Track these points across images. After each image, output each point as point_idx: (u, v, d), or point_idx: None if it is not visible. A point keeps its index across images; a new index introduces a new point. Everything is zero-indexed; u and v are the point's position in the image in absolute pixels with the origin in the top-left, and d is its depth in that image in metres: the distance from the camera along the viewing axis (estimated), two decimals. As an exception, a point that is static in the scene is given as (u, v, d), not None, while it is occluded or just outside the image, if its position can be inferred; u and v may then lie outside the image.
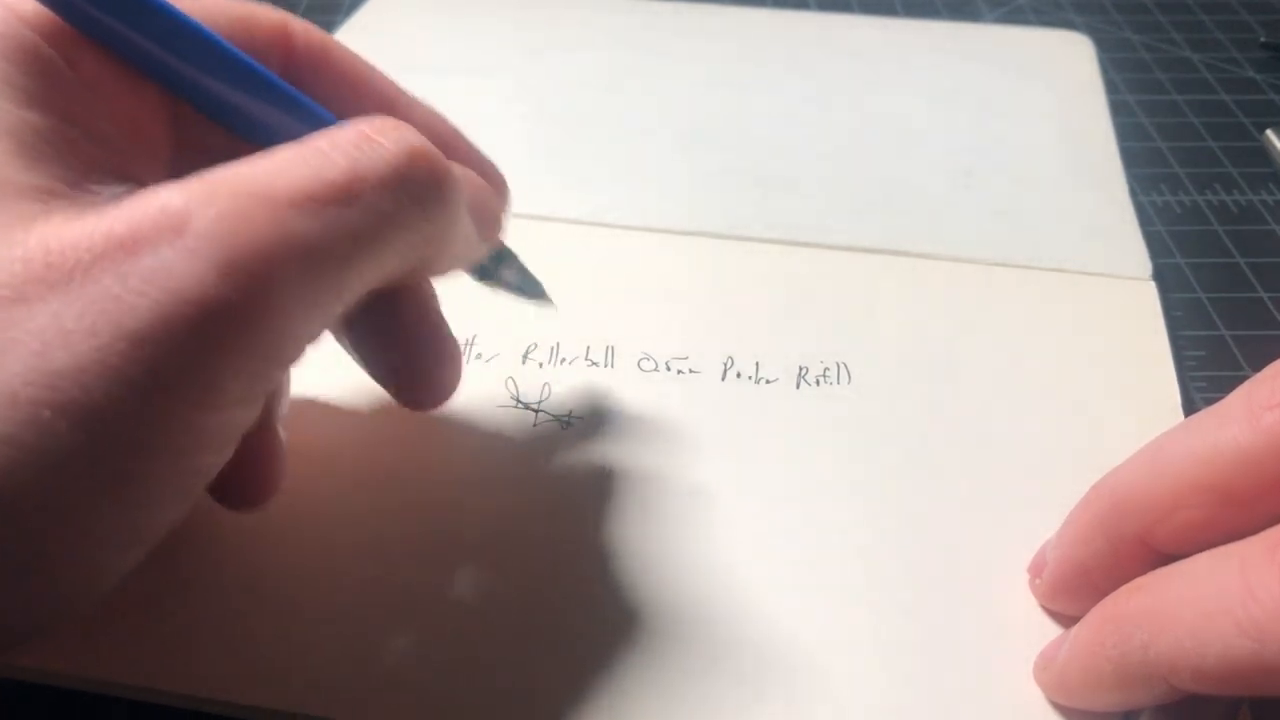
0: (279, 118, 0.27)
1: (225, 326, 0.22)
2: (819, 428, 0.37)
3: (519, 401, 0.38)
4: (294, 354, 0.24)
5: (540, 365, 0.39)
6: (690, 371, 0.39)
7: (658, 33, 0.61)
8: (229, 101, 0.26)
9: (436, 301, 0.32)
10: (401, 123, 0.26)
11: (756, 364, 0.39)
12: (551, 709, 0.29)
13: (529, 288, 0.35)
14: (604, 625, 0.31)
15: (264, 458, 0.30)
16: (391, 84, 0.31)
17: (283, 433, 0.32)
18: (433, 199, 0.26)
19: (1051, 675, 0.29)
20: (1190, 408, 0.38)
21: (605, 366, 0.39)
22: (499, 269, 0.33)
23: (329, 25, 0.62)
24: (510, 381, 0.38)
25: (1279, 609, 0.22)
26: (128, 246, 0.21)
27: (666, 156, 0.51)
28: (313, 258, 0.23)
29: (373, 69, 0.31)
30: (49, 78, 0.24)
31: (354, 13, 0.63)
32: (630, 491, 0.34)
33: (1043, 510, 0.32)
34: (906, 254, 0.45)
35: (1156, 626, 0.25)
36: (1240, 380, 0.40)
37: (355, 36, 0.60)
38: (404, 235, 0.26)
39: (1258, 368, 0.40)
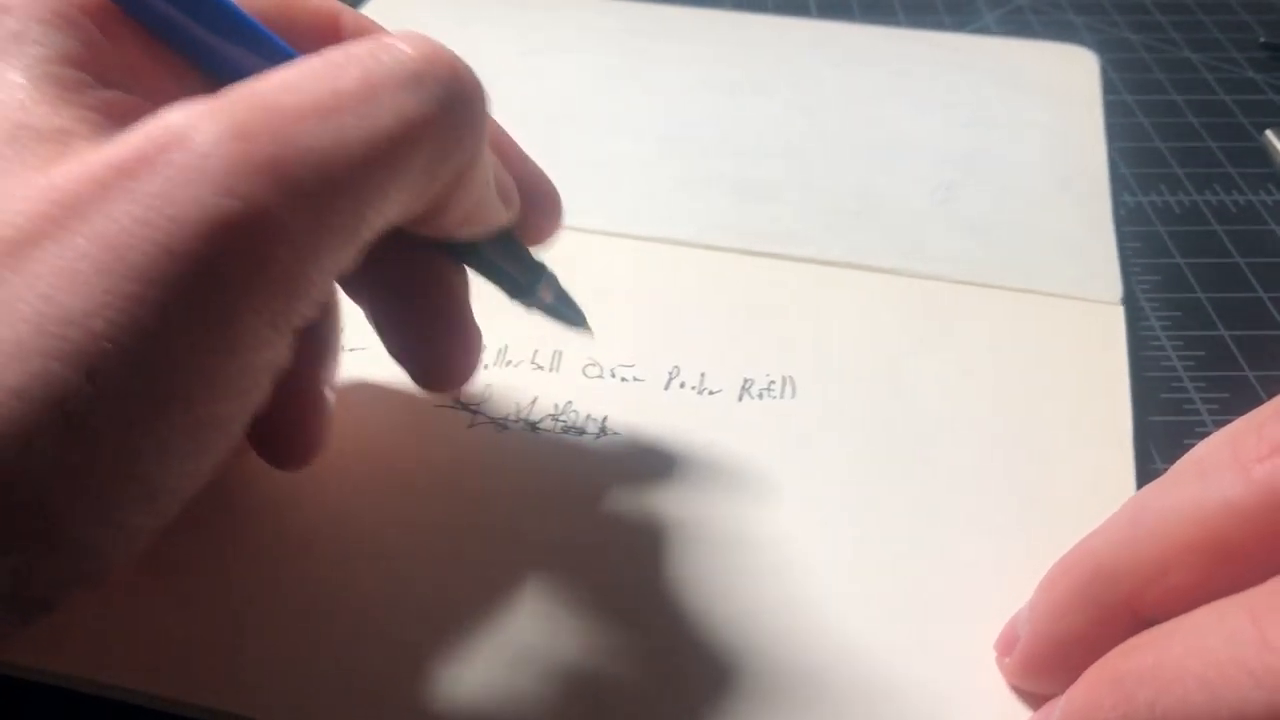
0: None
1: (235, 257, 0.19)
2: (756, 442, 0.34)
3: (457, 402, 0.35)
4: (316, 289, 0.21)
5: (486, 367, 0.36)
6: (635, 379, 0.36)
7: (655, 38, 0.58)
8: (234, 63, 0.24)
9: (467, 290, 0.30)
10: (426, 35, 0.24)
11: (702, 374, 0.37)
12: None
13: (568, 313, 0.33)
14: (516, 630, 0.29)
15: (309, 415, 0.28)
16: None
17: (330, 394, 0.30)
18: (458, 105, 0.23)
19: None
20: (1142, 439, 0.35)
21: (550, 370, 0.37)
22: (538, 287, 0.31)
23: (325, 29, 0.57)
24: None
25: None
26: (130, 170, 0.19)
27: (646, 162, 0.48)
28: (327, 172, 0.21)
29: None
30: (83, 42, 0.22)
31: (351, 15, 0.58)
32: (556, 499, 0.32)
33: (981, 538, 0.31)
34: (872, 269, 0.41)
35: (1162, 683, 0.22)
36: (1240, 381, 0.39)
37: (350, 38, 0.56)
38: (425, 148, 0.23)
39: (1258, 367, 0.39)
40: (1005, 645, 0.28)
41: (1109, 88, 0.55)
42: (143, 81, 0.23)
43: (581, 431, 0.34)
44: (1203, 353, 0.39)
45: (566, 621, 0.29)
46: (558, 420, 0.35)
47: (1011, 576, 0.29)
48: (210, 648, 0.28)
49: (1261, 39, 0.58)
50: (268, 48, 0.24)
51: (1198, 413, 0.37)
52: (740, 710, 0.27)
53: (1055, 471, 0.33)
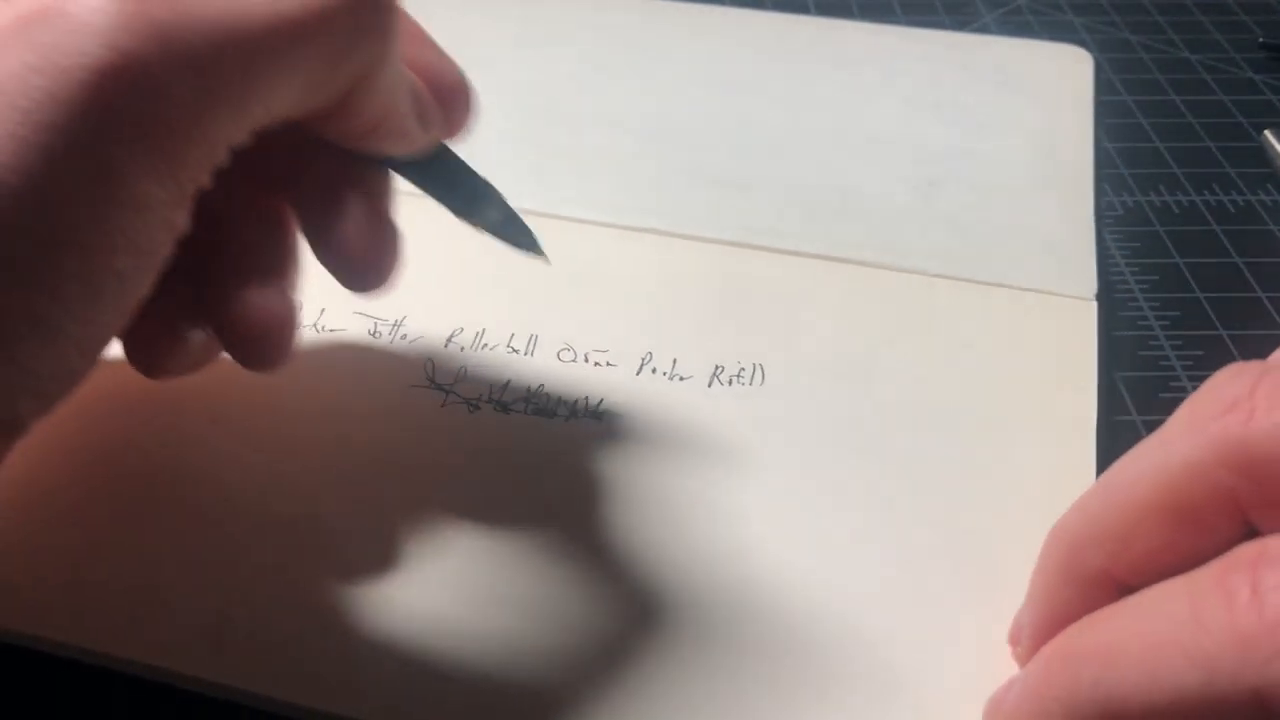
0: None
1: (115, 105, 0.20)
2: (723, 428, 0.34)
3: (432, 382, 0.35)
4: (202, 154, 0.22)
5: (462, 349, 0.36)
6: (607, 365, 0.36)
7: (650, 31, 0.57)
8: None
9: (389, 195, 0.30)
10: None
11: (674, 360, 0.36)
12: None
13: (517, 234, 0.32)
14: (482, 606, 0.29)
15: (275, 317, 0.28)
16: None
17: (296, 301, 0.29)
18: (366, 5, 0.24)
19: None
20: (1105, 434, 0.35)
21: (525, 354, 0.37)
22: (482, 207, 0.31)
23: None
24: (429, 363, 0.36)
25: (1229, 639, 0.20)
26: (29, 21, 0.20)
27: (630, 153, 0.47)
28: (215, 40, 0.21)
29: None
30: None
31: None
32: (524, 481, 0.32)
33: (940, 528, 0.31)
34: (849, 261, 0.41)
35: (1105, 662, 0.22)
36: None
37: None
38: (325, 39, 0.23)
39: None
40: (1016, 635, 0.28)
41: (1108, 88, 0.54)
42: None
43: (552, 414, 0.34)
44: (1201, 352, 0.39)
45: (533, 602, 0.29)
46: (529, 403, 0.34)
47: (970, 565, 0.30)
48: (195, 617, 0.28)
49: (1260, 39, 0.57)
50: None
51: (1197, 412, 0.35)
52: (701, 692, 0.27)
53: (1018, 464, 0.33)
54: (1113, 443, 0.34)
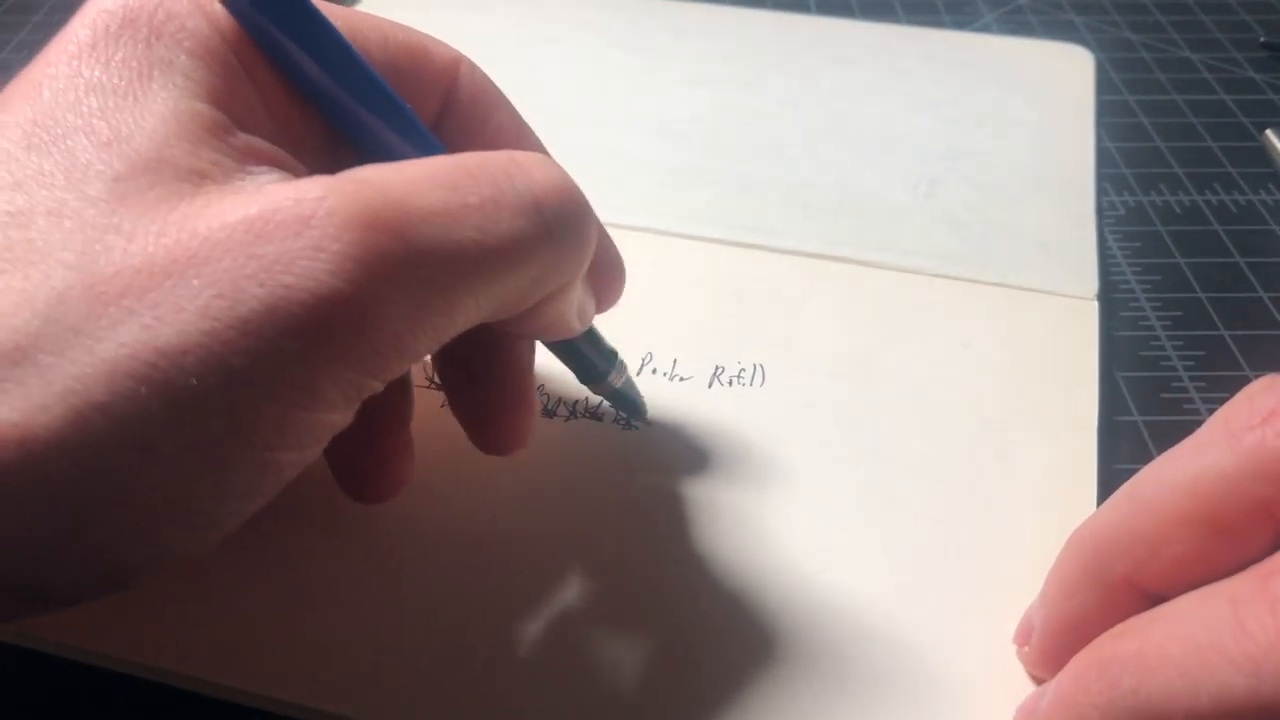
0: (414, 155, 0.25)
1: (331, 330, 0.20)
2: (723, 428, 0.34)
3: (433, 382, 0.35)
4: (394, 369, 0.22)
5: None
6: None
7: (652, 31, 0.56)
8: (370, 131, 0.25)
9: (532, 364, 0.30)
10: (552, 159, 0.25)
11: (674, 361, 0.36)
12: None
13: (632, 400, 0.33)
14: (481, 604, 0.29)
15: (395, 457, 0.29)
16: (540, 146, 0.30)
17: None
18: (569, 239, 0.24)
19: None
20: (1142, 439, 0.35)
21: None
22: (609, 375, 0.31)
23: (321, 16, 0.55)
24: (428, 363, 0.35)
25: (1274, 643, 0.20)
26: (256, 230, 0.20)
27: (631, 153, 0.47)
28: (433, 275, 0.22)
29: (527, 127, 0.30)
30: (225, 78, 0.23)
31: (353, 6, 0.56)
32: (523, 480, 0.32)
33: (939, 527, 0.31)
34: (849, 260, 0.41)
35: (1145, 669, 0.22)
36: (1240, 381, 0.36)
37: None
38: (529, 269, 0.24)
39: (1258, 367, 0.37)
40: (1023, 635, 0.27)
41: (1109, 88, 0.53)
42: (275, 118, 0.24)
43: (552, 414, 0.34)
44: (1203, 352, 0.38)
45: (532, 602, 0.29)
46: None
47: (970, 565, 0.29)
48: (231, 631, 0.28)
49: (1261, 39, 0.57)
50: (398, 119, 0.24)
51: (1198, 412, 0.36)
52: (701, 691, 0.27)
53: (1018, 464, 0.32)
54: (1114, 443, 0.34)
